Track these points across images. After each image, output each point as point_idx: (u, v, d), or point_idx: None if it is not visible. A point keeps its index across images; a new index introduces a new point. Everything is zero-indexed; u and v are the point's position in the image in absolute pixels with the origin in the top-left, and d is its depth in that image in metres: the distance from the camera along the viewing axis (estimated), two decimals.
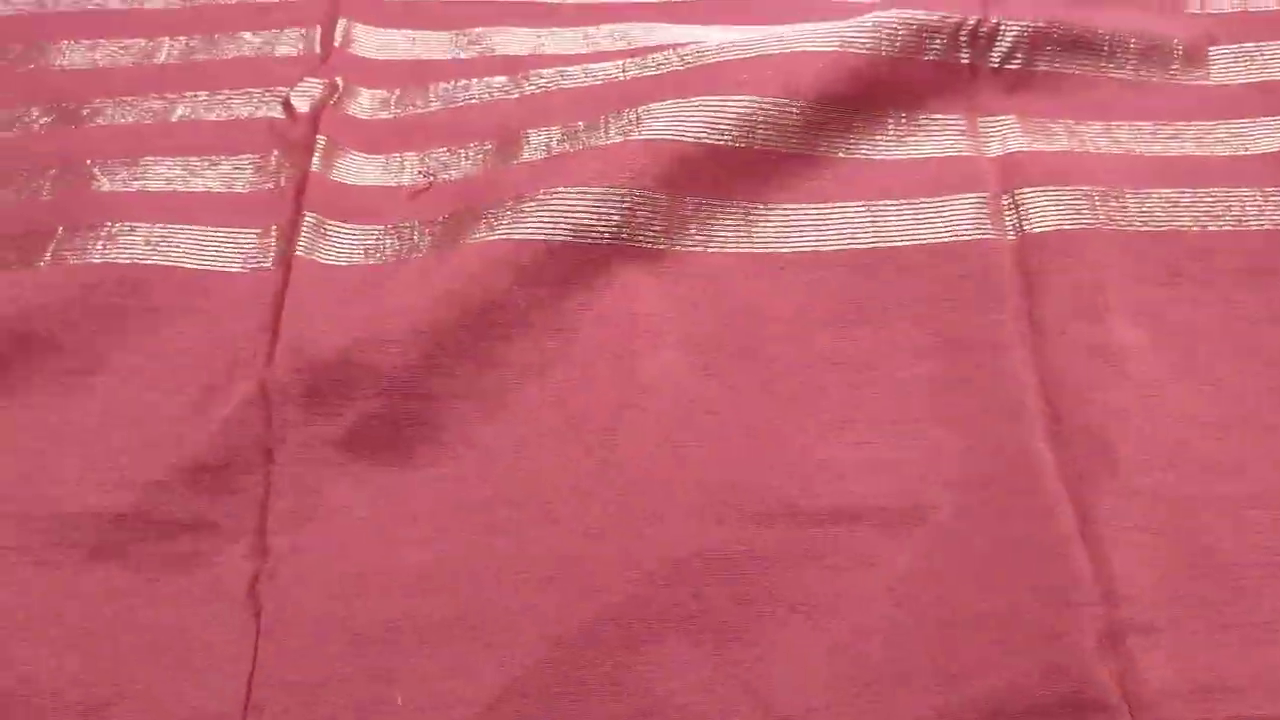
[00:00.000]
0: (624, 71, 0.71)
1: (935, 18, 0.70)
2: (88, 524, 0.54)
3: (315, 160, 0.66)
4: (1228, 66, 0.75)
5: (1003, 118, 0.71)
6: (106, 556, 0.54)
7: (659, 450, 0.57)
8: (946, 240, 0.66)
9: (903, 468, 0.58)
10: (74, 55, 0.72)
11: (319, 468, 0.56)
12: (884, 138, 0.69)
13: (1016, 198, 0.67)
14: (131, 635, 0.52)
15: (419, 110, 0.70)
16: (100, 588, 0.53)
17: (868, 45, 0.69)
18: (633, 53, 0.72)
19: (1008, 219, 0.66)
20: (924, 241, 0.66)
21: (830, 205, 0.67)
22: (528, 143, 0.68)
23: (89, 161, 0.67)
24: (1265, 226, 0.67)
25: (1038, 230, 0.66)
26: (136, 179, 0.66)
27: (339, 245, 0.64)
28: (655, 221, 0.64)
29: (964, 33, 0.71)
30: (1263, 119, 0.72)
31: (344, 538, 0.55)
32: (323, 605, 0.53)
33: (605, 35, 0.74)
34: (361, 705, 0.50)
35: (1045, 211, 0.66)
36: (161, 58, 0.73)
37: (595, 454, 0.57)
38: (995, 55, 0.71)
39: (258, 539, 0.55)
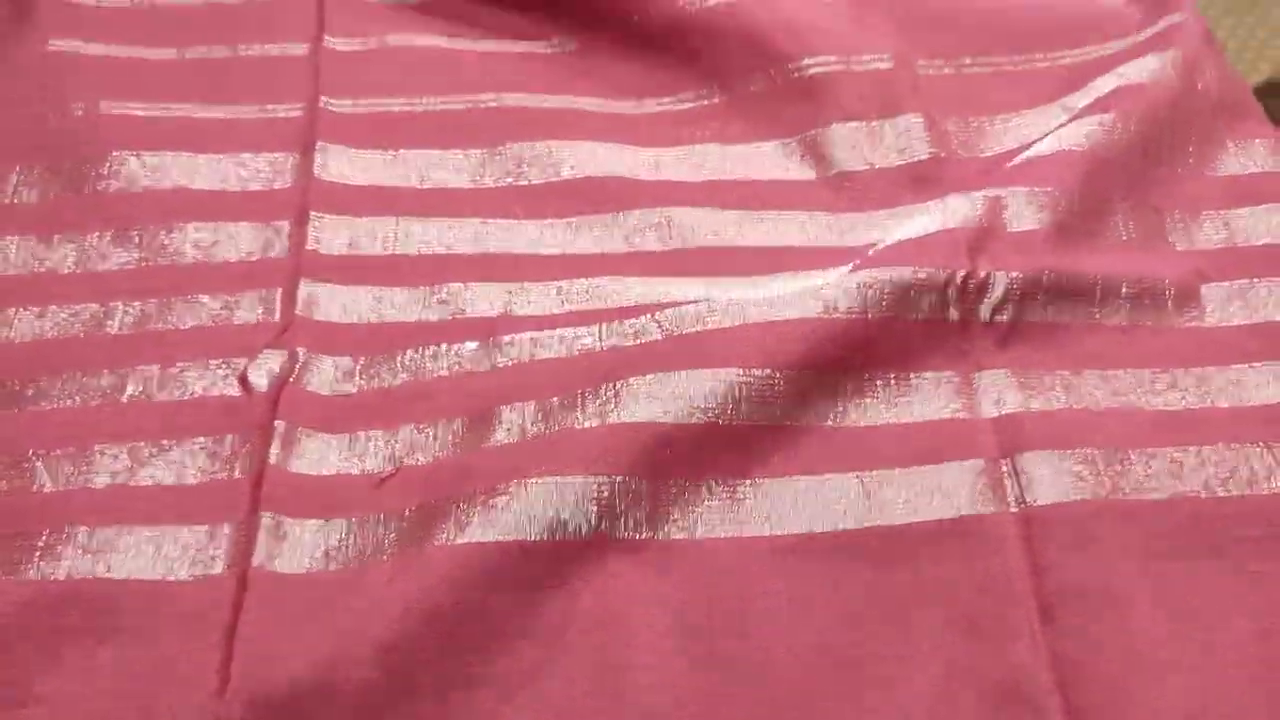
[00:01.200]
0: (600, 341, 0.67)
1: (923, 275, 0.67)
2: None
3: (274, 449, 0.62)
4: (1221, 306, 0.72)
5: (996, 373, 0.68)
6: None
7: None
8: (947, 517, 0.62)
9: None
10: (21, 326, 0.68)
11: None
12: (873, 401, 0.66)
13: (1016, 464, 0.64)
14: None
15: (385, 384, 0.67)
16: None
17: (854, 308, 0.66)
18: (608, 315, 0.69)
19: (1009, 489, 0.63)
20: (922, 519, 0.62)
21: (821, 479, 0.63)
22: (500, 421, 0.64)
23: (31, 453, 0.63)
24: (1278, 489, 0.63)
25: (1041, 503, 0.62)
26: (81, 473, 0.62)
27: (298, 549, 0.59)
28: (636, 510, 0.60)
29: (952, 288, 0.68)
30: (1259, 364, 0.69)
31: None
32: None
33: (579, 291, 0.71)
34: None
35: (1047, 481, 0.63)
36: (114, 326, 0.69)
37: None
38: (985, 308, 0.69)
39: None
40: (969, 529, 0.61)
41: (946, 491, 0.63)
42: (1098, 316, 0.70)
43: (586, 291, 0.71)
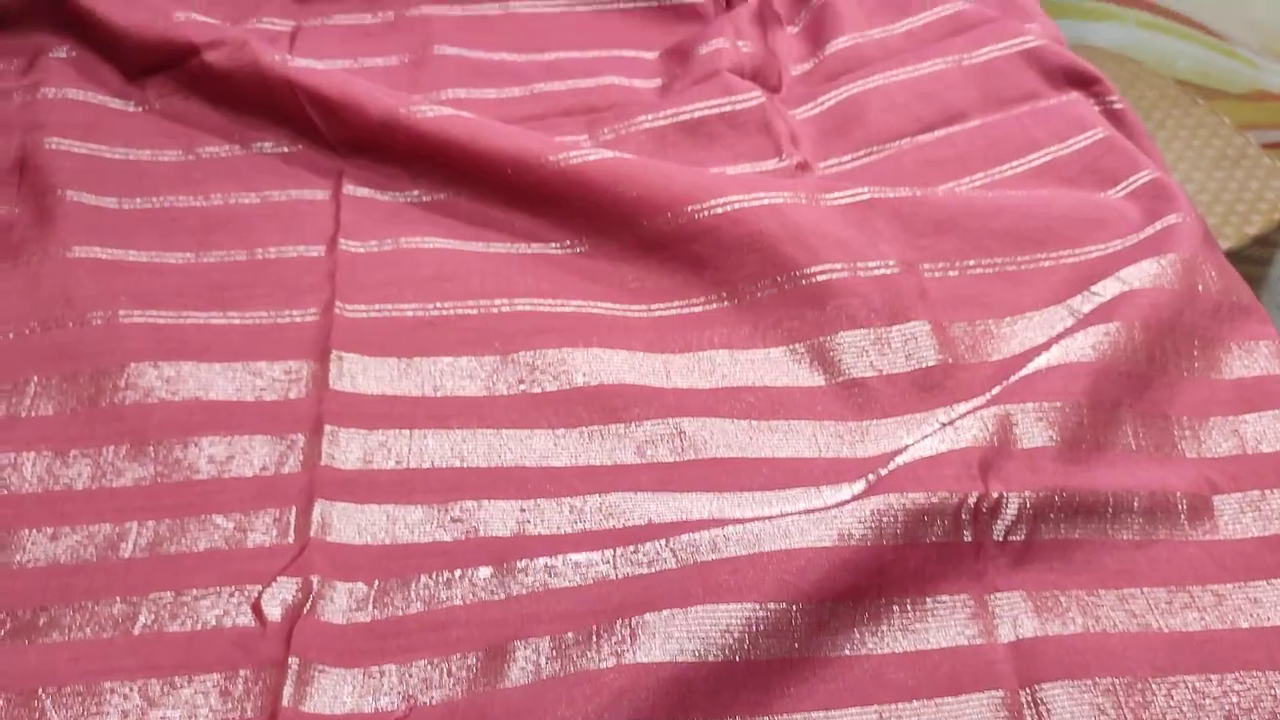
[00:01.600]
0: (615, 569, 0.67)
1: (936, 499, 0.68)
2: None
3: (287, 688, 0.62)
4: (1235, 518, 0.72)
5: (1011, 595, 0.67)
6: None
7: None
8: None
9: None
10: (35, 549, 0.68)
11: None
12: (889, 628, 0.66)
13: (1036, 695, 0.63)
14: None
15: (399, 612, 0.66)
16: None
17: (869, 535, 0.66)
18: (623, 537, 0.69)
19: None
20: None
21: (840, 713, 0.63)
22: (514, 658, 0.63)
23: (41, 691, 0.62)
24: None
25: None
26: (90, 715, 0.61)
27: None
28: None
29: (965, 511, 0.68)
30: (1277, 580, 0.69)
31: None
32: None
33: (593, 509, 0.71)
34: None
35: (1069, 715, 0.62)
36: (127, 549, 0.69)
37: None
38: (999, 529, 0.69)
39: None
40: None
41: None
42: (1110, 532, 0.70)
43: (600, 509, 0.71)
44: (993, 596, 0.67)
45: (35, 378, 0.76)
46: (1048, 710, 0.63)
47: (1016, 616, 0.67)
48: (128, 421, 0.74)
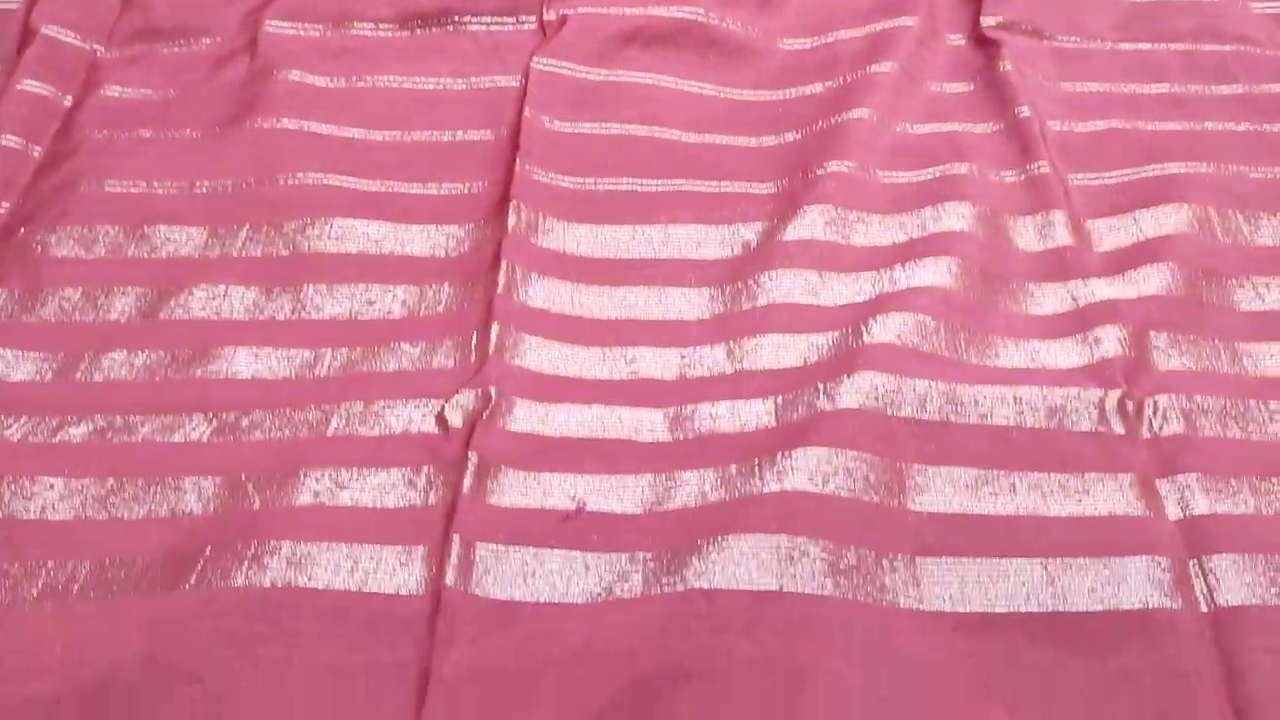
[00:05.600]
0: (774, 417, 0.70)
1: (1075, 392, 0.70)
2: None
3: (467, 481, 0.65)
4: None
5: (1177, 478, 0.67)
6: None
7: None
8: (1134, 608, 0.61)
9: None
10: (240, 364, 0.73)
11: None
12: (1053, 495, 0.66)
13: (1205, 565, 0.63)
14: None
15: (571, 433, 0.69)
16: None
17: (1010, 417, 0.69)
18: (780, 383, 0.72)
19: (1198, 589, 0.62)
20: (1107, 609, 0.61)
21: (1003, 562, 0.63)
22: (680, 484, 0.66)
23: (244, 476, 0.66)
24: None
25: (1233, 605, 0.61)
26: (287, 495, 0.65)
27: (488, 575, 0.62)
28: (819, 572, 0.61)
29: (1111, 407, 0.70)
30: None
31: None
32: None
33: (749, 352, 0.74)
34: None
35: (1239, 585, 0.62)
36: (322, 370, 0.74)
37: None
38: (1151, 425, 0.69)
39: None
40: (1156, 623, 0.60)
41: (1133, 585, 0.62)
42: (1272, 432, 0.69)
43: (755, 348, 0.74)
44: (1159, 481, 0.67)
45: (248, 225, 0.82)
46: (1217, 580, 0.62)
47: (1185, 497, 0.66)
48: (328, 266, 0.80)
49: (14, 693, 0.56)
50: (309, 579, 0.61)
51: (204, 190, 0.85)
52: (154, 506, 0.65)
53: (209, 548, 0.62)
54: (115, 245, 0.81)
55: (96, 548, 0.63)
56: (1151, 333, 0.75)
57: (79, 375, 0.73)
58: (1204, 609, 0.61)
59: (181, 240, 0.82)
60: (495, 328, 0.74)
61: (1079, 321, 0.76)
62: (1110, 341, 0.74)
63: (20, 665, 0.58)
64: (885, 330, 0.73)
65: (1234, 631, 0.60)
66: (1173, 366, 0.73)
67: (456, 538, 0.62)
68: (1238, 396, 0.71)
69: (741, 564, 0.61)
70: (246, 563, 0.61)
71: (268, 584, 0.60)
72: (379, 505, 0.65)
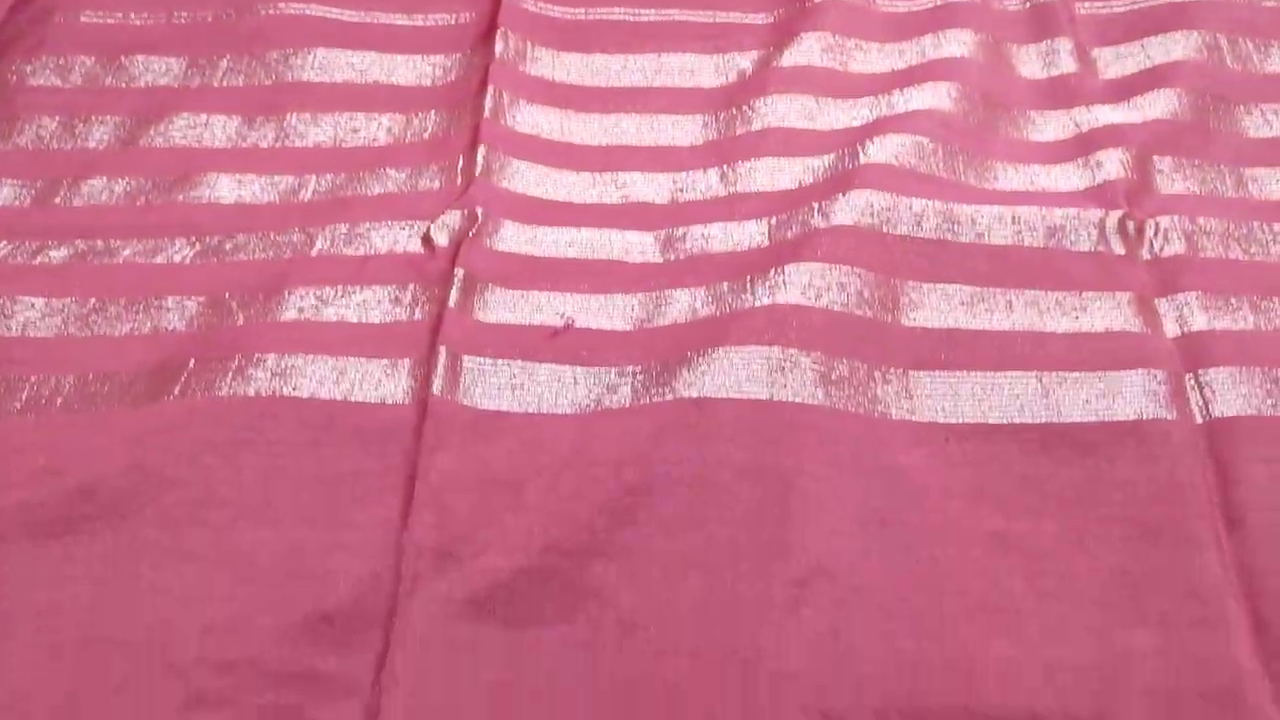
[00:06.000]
0: (768, 237, 0.68)
1: (1074, 212, 0.69)
2: (194, 668, 0.50)
3: (453, 295, 0.64)
4: None
5: (1176, 296, 0.66)
6: (211, 704, 0.49)
7: (817, 639, 0.51)
8: (1128, 419, 0.60)
9: (1087, 671, 0.51)
10: (222, 190, 0.72)
11: (445, 625, 0.52)
12: (1050, 312, 0.65)
13: (1201, 378, 0.62)
14: None
15: (560, 253, 0.68)
16: None
17: (1008, 237, 0.68)
18: (770, 205, 0.70)
19: (1193, 400, 0.61)
20: (1103, 419, 0.60)
21: (998, 375, 0.62)
22: (671, 302, 0.65)
23: (227, 295, 0.66)
24: None
25: (1228, 415, 0.60)
26: (271, 311, 0.64)
27: (474, 385, 0.61)
28: (809, 382, 0.60)
29: (1111, 227, 0.69)
30: None
31: (464, 701, 0.50)
32: None
33: (742, 175, 0.73)
34: None
35: (1234, 396, 0.61)
36: (306, 195, 0.72)
37: (743, 629, 0.51)
38: (1152, 245, 0.68)
39: (372, 697, 0.50)
40: (1150, 434, 0.59)
41: (1128, 397, 0.61)
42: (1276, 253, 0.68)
43: (750, 171, 0.72)
44: (1158, 300, 0.66)
45: (229, 55, 0.80)
46: (1213, 393, 0.61)
47: (1183, 315, 0.65)
48: (312, 95, 0.78)
49: None
50: (294, 389, 0.60)
51: (182, 21, 0.83)
52: (136, 324, 0.65)
53: (193, 361, 0.61)
54: (92, 75, 0.79)
55: (79, 363, 0.62)
56: (1155, 156, 0.73)
57: (58, 200, 0.72)
58: (1199, 420, 0.60)
59: (160, 70, 0.80)
60: (482, 150, 0.72)
61: (1081, 146, 0.74)
62: (1112, 164, 0.72)
63: (2, 475, 0.57)
64: (882, 151, 0.71)
65: (1228, 442, 0.59)
66: (1176, 190, 0.72)
67: (443, 349, 0.61)
68: (1241, 219, 0.69)
69: (731, 374, 0.60)
70: (230, 374, 0.60)
71: (252, 393, 0.60)
72: (364, 320, 0.64)
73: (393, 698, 0.50)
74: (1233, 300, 0.65)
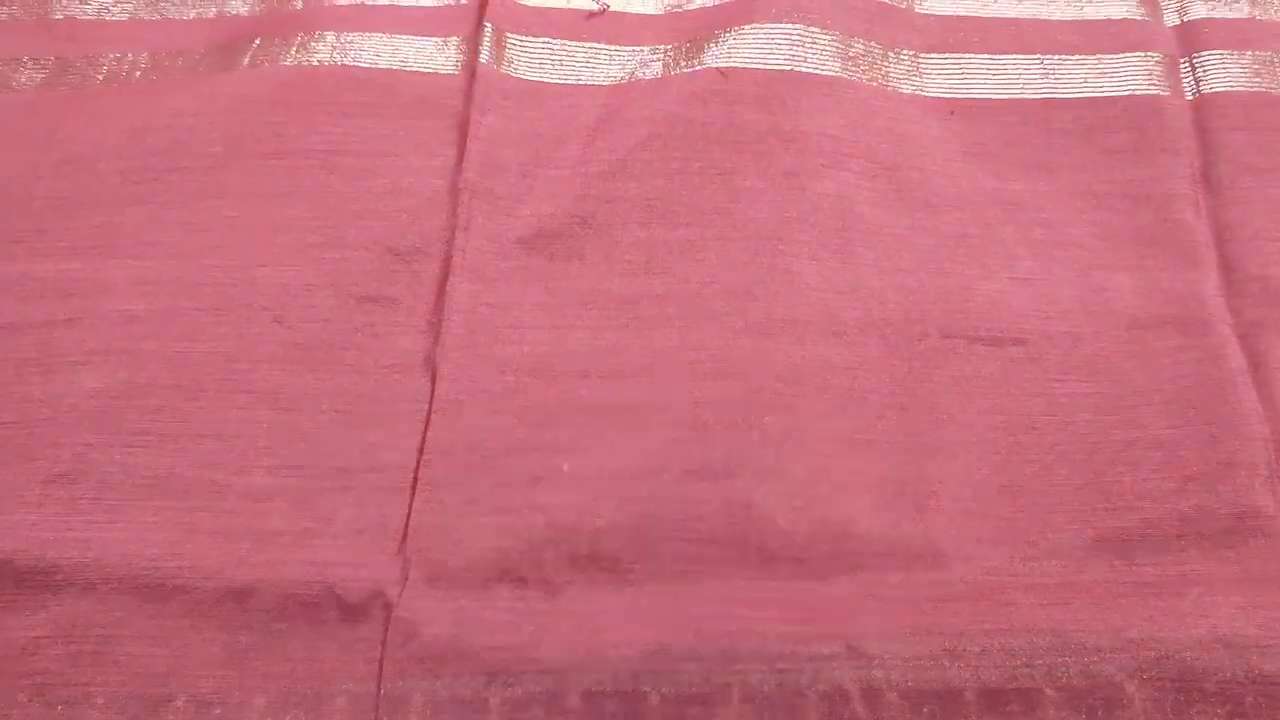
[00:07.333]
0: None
1: None
2: (274, 291, 0.57)
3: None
4: None
5: None
6: (290, 323, 0.57)
7: (822, 266, 0.58)
8: (1122, 94, 0.65)
9: (1070, 303, 0.58)
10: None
11: (497, 259, 0.58)
12: (1055, 2, 0.69)
13: (1195, 61, 0.66)
14: (312, 400, 0.54)
15: None
16: (283, 351, 0.56)
17: None
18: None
19: (1185, 80, 0.66)
20: (1099, 95, 0.65)
21: (1003, 57, 0.67)
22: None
23: None
24: None
25: (1215, 91, 0.65)
26: None
27: (519, 59, 0.66)
28: (828, 56, 0.65)
29: None
30: None
31: (516, 321, 0.57)
32: (494, 381, 0.55)
33: None
34: (532, 471, 0.52)
35: (1223, 74, 0.66)
36: None
37: (761, 260, 0.58)
38: None
39: (434, 316, 0.57)
40: (1143, 107, 0.64)
41: (1125, 76, 0.66)
42: None
43: None
44: None
45: None
46: (1204, 71, 0.66)
47: (1184, 4, 0.69)
48: None
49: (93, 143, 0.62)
50: (354, 60, 0.65)
51: None
52: (202, 9, 0.69)
53: (258, 39, 0.66)
54: None
55: (151, 41, 0.68)
56: None
57: None
58: (1189, 96, 0.65)
59: None
60: None
61: None
62: None
63: (93, 139, 0.63)
64: None
65: (1212, 114, 0.64)
66: None
67: (489, 26, 0.66)
68: None
69: (756, 48, 0.65)
70: (295, 48, 0.66)
71: (316, 63, 0.65)
72: (416, 3, 0.69)
73: (455, 317, 0.56)
74: None
